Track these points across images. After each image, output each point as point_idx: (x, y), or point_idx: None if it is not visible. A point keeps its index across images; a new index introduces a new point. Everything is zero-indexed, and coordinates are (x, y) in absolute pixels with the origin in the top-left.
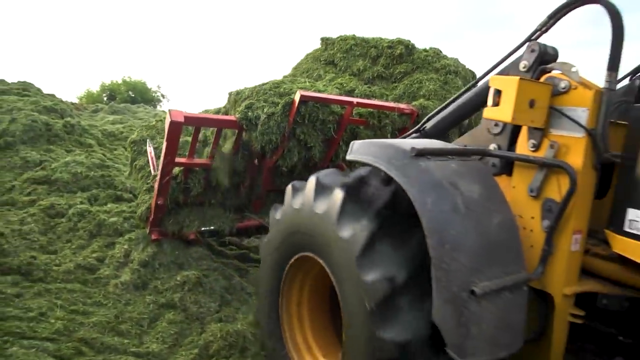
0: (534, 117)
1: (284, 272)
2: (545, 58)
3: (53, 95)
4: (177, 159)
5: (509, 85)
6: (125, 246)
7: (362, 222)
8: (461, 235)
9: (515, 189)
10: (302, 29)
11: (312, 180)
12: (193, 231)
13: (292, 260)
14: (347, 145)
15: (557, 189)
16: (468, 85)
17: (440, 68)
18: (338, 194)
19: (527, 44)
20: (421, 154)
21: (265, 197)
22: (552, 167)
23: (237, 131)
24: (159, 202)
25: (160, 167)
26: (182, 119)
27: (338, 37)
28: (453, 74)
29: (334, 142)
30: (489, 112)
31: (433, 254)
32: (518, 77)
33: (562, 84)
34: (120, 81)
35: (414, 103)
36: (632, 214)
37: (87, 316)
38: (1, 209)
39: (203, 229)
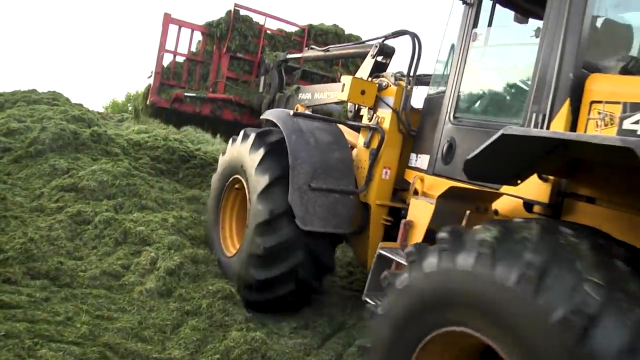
0: (364, 100)
1: (223, 191)
2: (384, 52)
3: (81, 105)
4: (167, 50)
5: (348, 81)
6: (152, 254)
7: (260, 150)
8: (308, 156)
9: (359, 145)
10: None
11: (242, 133)
12: (179, 92)
13: (229, 181)
14: (271, 49)
15: (376, 142)
16: (354, 43)
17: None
18: (252, 137)
19: (375, 41)
20: (296, 115)
21: (225, 81)
22: (375, 130)
23: (205, 34)
24: (157, 71)
25: (158, 51)
26: (170, 17)
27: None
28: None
29: (259, 43)
30: (338, 95)
31: (290, 164)
32: (352, 77)
33: (384, 84)
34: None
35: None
36: (411, 155)
37: (112, 321)
38: (31, 215)
39: (185, 94)
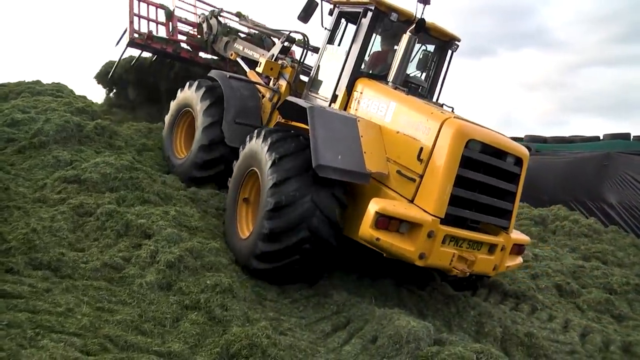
0: (271, 73)
1: (176, 119)
2: (289, 40)
3: (85, 97)
4: (135, 14)
5: (263, 61)
6: (152, 247)
7: (207, 99)
8: (235, 102)
9: (266, 99)
10: None
11: (196, 82)
12: (150, 32)
13: (181, 112)
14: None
15: (275, 99)
16: (273, 29)
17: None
18: (202, 88)
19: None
20: (231, 77)
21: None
22: (275, 92)
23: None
24: (130, 20)
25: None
26: None
27: None
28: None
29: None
30: (257, 68)
31: (225, 107)
32: (266, 59)
33: (284, 64)
34: None
35: None
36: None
37: (112, 314)
38: (34, 205)
39: (154, 34)
